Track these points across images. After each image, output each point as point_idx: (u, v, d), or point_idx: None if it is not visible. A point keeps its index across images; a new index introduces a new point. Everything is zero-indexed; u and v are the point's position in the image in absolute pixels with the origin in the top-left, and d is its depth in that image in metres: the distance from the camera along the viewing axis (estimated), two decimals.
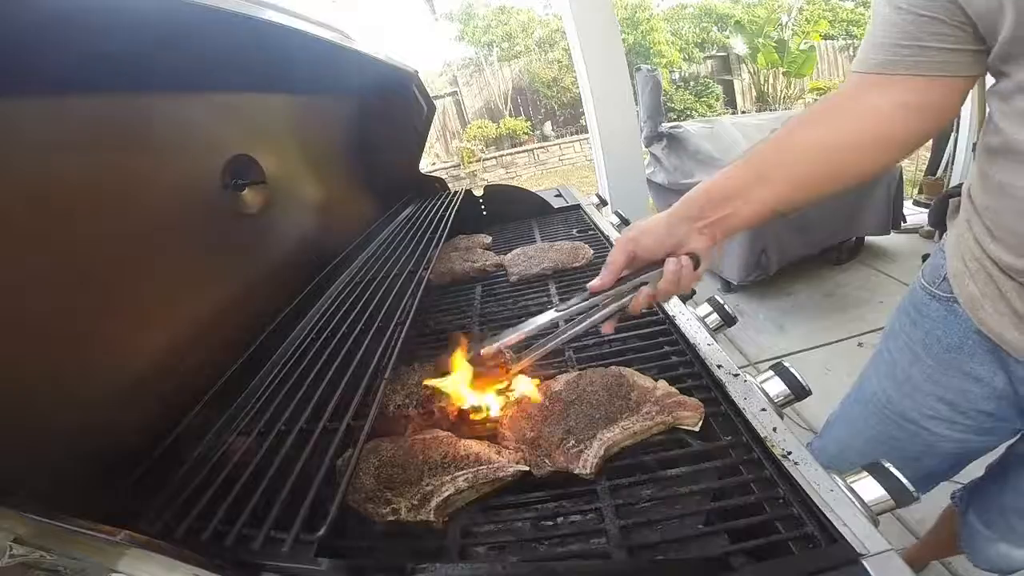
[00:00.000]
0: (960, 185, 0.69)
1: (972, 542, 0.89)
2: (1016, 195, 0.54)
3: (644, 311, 0.87)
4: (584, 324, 0.64)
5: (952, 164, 2.93)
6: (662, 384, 0.63)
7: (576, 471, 0.53)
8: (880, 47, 0.57)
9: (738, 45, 8.42)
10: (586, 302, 0.63)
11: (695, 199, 0.62)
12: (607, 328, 0.66)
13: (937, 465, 0.81)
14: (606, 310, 0.64)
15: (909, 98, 0.56)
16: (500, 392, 0.66)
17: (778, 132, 0.62)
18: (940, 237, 0.75)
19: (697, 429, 0.57)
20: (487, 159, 8.35)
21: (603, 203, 1.56)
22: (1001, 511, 0.83)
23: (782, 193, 0.60)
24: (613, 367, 0.68)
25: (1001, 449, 0.80)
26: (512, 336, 0.63)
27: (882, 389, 0.82)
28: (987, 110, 0.58)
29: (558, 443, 0.57)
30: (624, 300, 0.64)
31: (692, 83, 8.98)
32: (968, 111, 2.83)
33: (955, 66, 0.55)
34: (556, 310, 0.64)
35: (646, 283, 0.63)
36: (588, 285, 0.63)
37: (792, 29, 8.35)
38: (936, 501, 0.93)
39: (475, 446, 0.59)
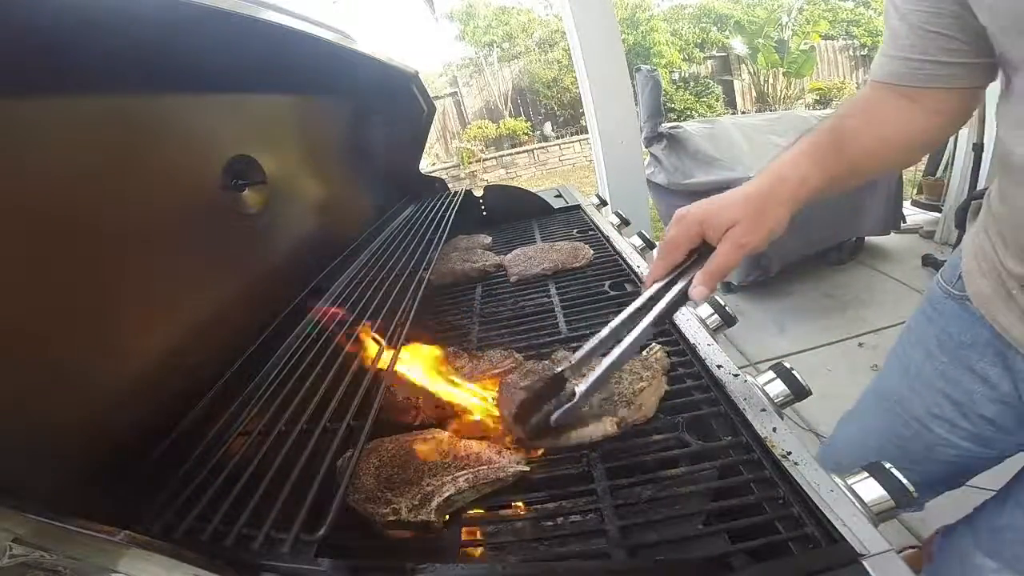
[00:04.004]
0: (986, 188, 0.70)
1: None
2: (1016, 204, 0.56)
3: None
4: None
5: (952, 164, 2.93)
6: None
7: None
8: (896, 60, 0.60)
9: (738, 45, 8.42)
10: None
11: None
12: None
13: (936, 472, 0.81)
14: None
15: (936, 106, 0.60)
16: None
17: (826, 130, 0.62)
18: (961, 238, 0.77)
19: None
20: (487, 159, 8.35)
21: (603, 203, 1.56)
22: (1002, 534, 0.77)
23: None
24: None
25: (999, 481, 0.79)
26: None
27: (894, 385, 0.84)
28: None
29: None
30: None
31: (692, 83, 8.97)
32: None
33: (968, 78, 0.58)
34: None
35: None
36: None
37: (792, 29, 8.34)
38: (939, 502, 0.92)
39: (475, 446, 0.59)
